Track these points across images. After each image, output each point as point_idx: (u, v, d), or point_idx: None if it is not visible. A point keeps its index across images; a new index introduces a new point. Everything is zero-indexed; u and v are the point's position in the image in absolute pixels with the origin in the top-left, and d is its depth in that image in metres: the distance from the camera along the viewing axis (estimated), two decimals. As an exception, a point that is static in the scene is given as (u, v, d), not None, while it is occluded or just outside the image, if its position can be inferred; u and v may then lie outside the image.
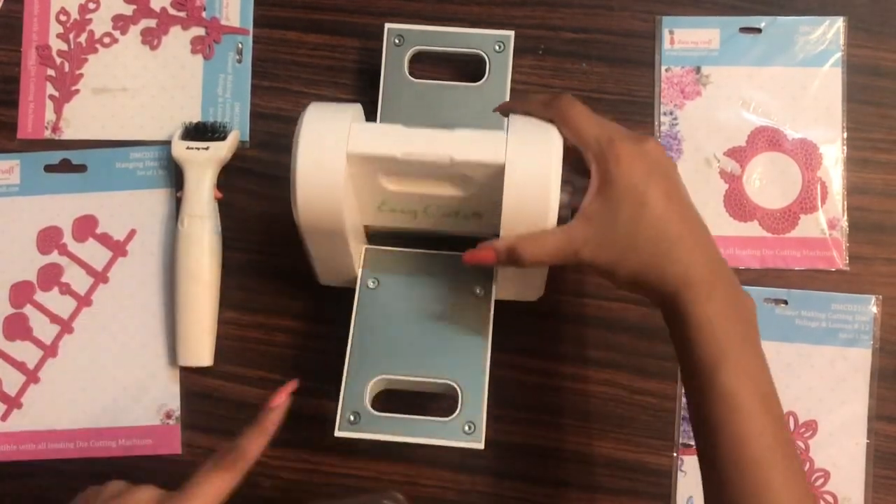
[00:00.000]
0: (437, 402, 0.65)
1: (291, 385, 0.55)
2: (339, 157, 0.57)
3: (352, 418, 0.60)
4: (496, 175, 0.57)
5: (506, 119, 0.60)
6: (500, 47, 0.69)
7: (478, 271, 0.63)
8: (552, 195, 0.56)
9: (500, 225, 0.57)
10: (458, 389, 0.61)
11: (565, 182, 0.57)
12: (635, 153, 0.54)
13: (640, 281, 0.54)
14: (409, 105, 0.66)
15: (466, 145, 0.58)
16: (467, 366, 0.61)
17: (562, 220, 0.57)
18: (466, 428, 0.60)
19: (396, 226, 0.64)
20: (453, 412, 0.60)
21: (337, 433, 0.59)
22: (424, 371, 0.62)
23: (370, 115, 0.64)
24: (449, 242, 0.64)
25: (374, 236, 0.66)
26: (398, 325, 0.63)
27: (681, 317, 0.52)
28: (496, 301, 0.63)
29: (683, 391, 0.53)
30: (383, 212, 0.63)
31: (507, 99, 0.68)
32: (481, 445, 0.59)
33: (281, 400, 0.54)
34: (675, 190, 0.55)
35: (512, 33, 0.69)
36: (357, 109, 0.61)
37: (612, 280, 0.55)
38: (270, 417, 0.54)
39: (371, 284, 0.64)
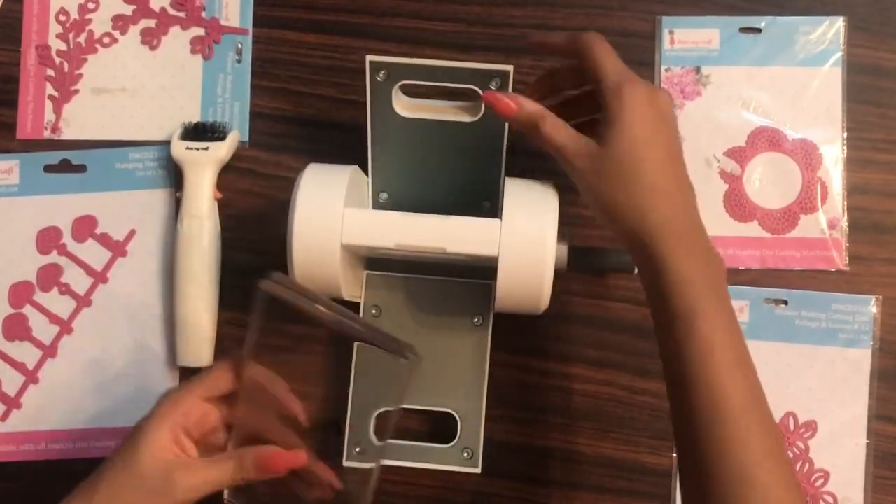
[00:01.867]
0: (439, 425, 0.66)
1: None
2: (333, 247, 0.60)
3: (357, 450, 0.64)
4: (490, 261, 0.60)
5: (502, 163, 0.63)
6: (496, 84, 0.59)
7: (476, 299, 0.66)
8: (545, 284, 0.60)
9: (495, 304, 0.61)
10: (458, 418, 0.65)
11: (561, 233, 0.61)
12: (648, 101, 0.56)
13: (618, 218, 0.55)
14: (401, 143, 0.63)
15: (460, 237, 0.60)
16: (466, 395, 0.65)
17: (559, 265, 0.61)
18: (465, 454, 0.65)
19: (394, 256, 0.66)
20: (454, 435, 0.65)
21: (345, 463, 0.64)
22: (424, 401, 0.66)
23: (363, 148, 0.63)
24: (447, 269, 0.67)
25: (374, 262, 0.67)
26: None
27: (658, 265, 0.53)
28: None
29: (658, 345, 0.54)
30: (379, 254, 0.65)
31: (506, 134, 0.63)
32: (478, 470, 0.65)
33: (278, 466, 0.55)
34: (676, 148, 0.57)
35: (511, 68, 0.59)
36: (355, 173, 0.62)
37: (592, 205, 0.57)
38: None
39: (373, 312, 0.66)
